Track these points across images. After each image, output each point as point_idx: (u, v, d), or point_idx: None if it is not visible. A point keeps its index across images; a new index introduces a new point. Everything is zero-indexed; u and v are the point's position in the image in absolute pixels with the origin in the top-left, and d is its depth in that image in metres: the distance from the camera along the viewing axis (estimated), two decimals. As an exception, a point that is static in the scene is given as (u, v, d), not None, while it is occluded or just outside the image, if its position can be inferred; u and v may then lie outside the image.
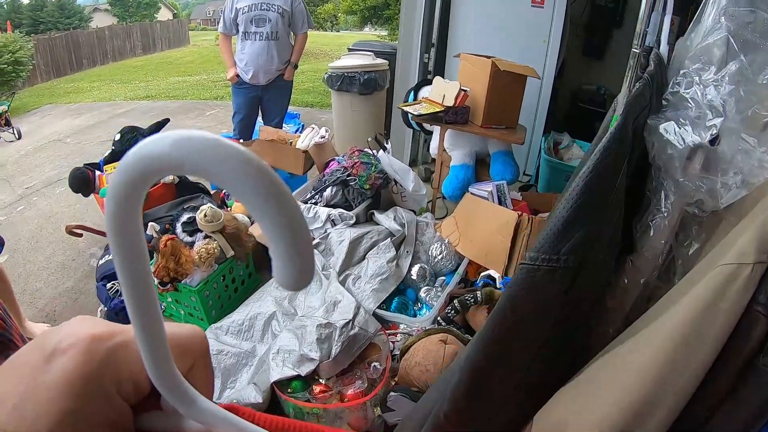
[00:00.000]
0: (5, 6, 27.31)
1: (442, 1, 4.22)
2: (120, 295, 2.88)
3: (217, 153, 0.22)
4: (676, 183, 0.92)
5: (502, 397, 0.95)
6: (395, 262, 2.72)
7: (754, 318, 0.63)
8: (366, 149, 3.29)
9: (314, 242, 2.83)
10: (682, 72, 1.04)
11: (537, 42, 4.08)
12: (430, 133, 3.96)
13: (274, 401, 2.10)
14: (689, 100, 0.97)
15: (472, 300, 2.32)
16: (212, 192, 3.76)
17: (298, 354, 2.04)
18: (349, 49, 5.37)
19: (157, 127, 3.83)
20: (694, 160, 0.90)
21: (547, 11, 4.00)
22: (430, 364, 2.00)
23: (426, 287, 2.70)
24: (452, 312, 2.34)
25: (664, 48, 1.33)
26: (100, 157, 3.88)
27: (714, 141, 0.91)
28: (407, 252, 2.85)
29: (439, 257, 2.79)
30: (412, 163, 4.70)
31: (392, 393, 1.98)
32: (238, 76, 4.19)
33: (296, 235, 0.23)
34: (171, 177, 3.60)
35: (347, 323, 2.11)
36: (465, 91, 3.21)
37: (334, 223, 2.95)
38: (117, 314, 2.81)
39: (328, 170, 3.29)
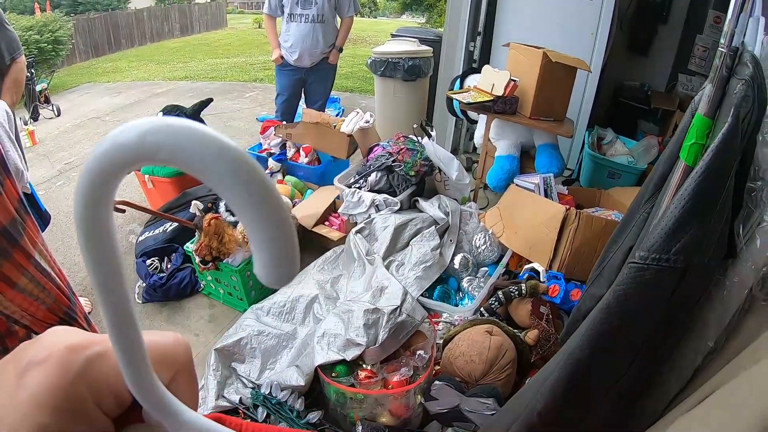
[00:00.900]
0: (45, -13, 27.71)
1: (489, -9, 4.16)
2: (159, 271, 2.92)
3: (193, 141, 0.21)
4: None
5: (596, 400, 0.93)
6: (439, 250, 2.70)
7: None
8: (411, 136, 3.27)
9: (358, 227, 2.83)
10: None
11: (584, 34, 4.01)
12: (475, 122, 3.92)
13: (313, 384, 2.11)
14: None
15: (517, 292, 2.30)
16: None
17: (344, 338, 2.04)
18: (393, 35, 5.33)
19: (201, 106, 3.85)
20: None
21: (596, 3, 3.92)
22: (474, 355, 1.99)
23: (468, 277, 2.68)
24: (496, 303, 2.32)
25: (758, 49, 1.28)
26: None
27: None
28: (451, 241, 2.83)
29: (482, 248, 2.77)
30: (454, 152, 4.65)
31: (437, 382, 1.96)
32: (282, 57, 4.18)
33: (280, 230, 0.22)
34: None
35: (395, 309, 2.10)
36: (515, 81, 3.16)
37: (378, 209, 2.94)
38: (156, 290, 2.86)
39: (372, 155, 3.28)
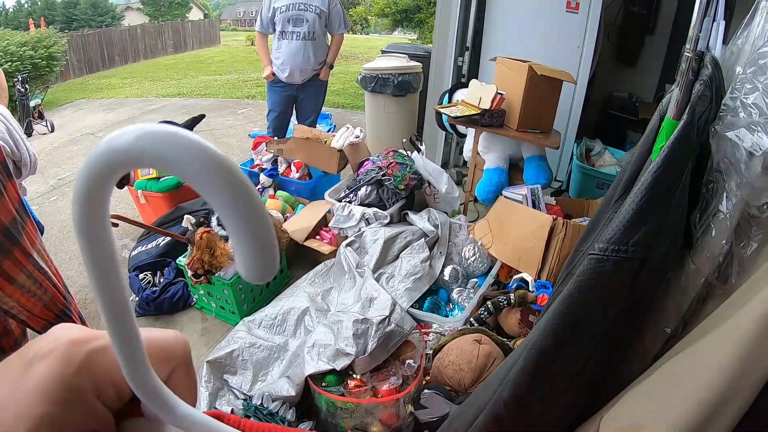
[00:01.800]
0: (39, 3, 27.90)
1: (476, 6, 4.23)
2: (152, 285, 2.93)
3: (177, 145, 0.22)
4: (739, 185, 0.93)
5: (560, 388, 0.96)
6: (428, 262, 2.74)
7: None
8: (401, 150, 3.31)
9: (349, 240, 2.86)
10: (740, 77, 1.05)
11: (571, 47, 4.06)
12: (464, 135, 3.97)
13: (305, 395, 2.13)
14: (752, 105, 0.98)
15: (505, 302, 2.33)
16: (246, 188, 3.80)
17: (334, 348, 2.06)
18: (383, 51, 5.39)
19: (193, 122, 3.87)
20: (761, 164, 0.91)
21: (582, 16, 3.98)
22: (464, 363, 2.02)
23: (458, 288, 2.71)
24: (485, 313, 2.35)
25: (719, 52, 1.34)
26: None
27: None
28: (440, 253, 2.86)
29: (472, 259, 2.81)
30: (444, 166, 4.69)
31: (426, 390, 1.99)
32: (273, 74, 4.23)
33: (258, 227, 0.23)
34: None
35: (384, 319, 2.13)
36: (501, 94, 3.21)
37: (368, 222, 2.97)
38: (148, 304, 2.88)
39: (362, 170, 3.32)
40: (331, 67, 4.36)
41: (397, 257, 2.79)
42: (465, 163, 4.18)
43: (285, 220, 3.33)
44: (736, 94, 1.02)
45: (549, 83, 3.21)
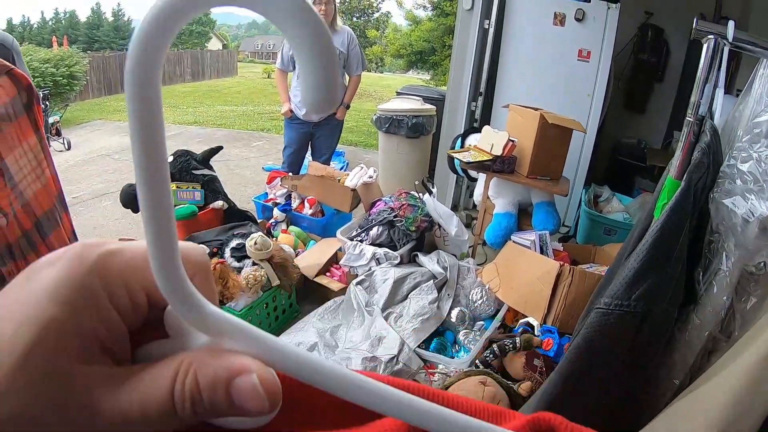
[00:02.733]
0: (63, 22, 28.48)
1: (491, 53, 4.33)
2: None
3: None
4: (737, 246, 0.99)
5: None
6: (436, 303, 2.78)
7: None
8: (413, 192, 3.38)
9: (359, 278, 2.90)
10: (737, 146, 1.12)
11: (581, 95, 4.15)
12: (475, 179, 4.03)
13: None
14: (747, 173, 1.04)
15: (511, 345, 2.36)
16: (259, 221, 3.87)
17: (342, 386, 2.10)
18: (398, 93, 5.50)
19: (211, 153, 3.95)
20: (757, 227, 0.97)
21: (593, 65, 4.09)
22: (468, 405, 2.04)
23: (464, 330, 2.74)
24: (490, 356, 2.38)
25: (718, 120, 1.40)
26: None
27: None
28: (448, 295, 2.90)
29: (479, 302, 2.84)
30: (454, 208, 4.75)
31: (431, 431, 2.01)
32: (291, 111, 4.32)
33: (325, 58, 0.24)
34: (220, 203, 3.73)
35: (392, 359, 2.18)
36: (513, 141, 3.29)
37: (378, 262, 3.02)
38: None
39: (374, 210, 3.38)
40: (348, 107, 4.46)
41: (405, 297, 2.83)
42: (475, 206, 4.23)
43: (296, 255, 3.39)
44: (733, 161, 1.09)
45: (560, 131, 3.28)
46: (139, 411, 0.27)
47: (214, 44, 37.93)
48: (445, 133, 4.64)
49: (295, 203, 4.00)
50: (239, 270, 2.86)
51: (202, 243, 3.10)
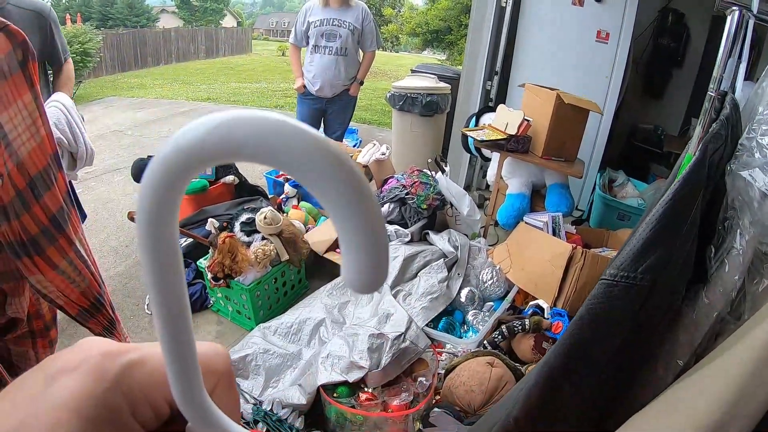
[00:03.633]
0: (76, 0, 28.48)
1: (507, 32, 4.28)
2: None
3: (284, 135, 0.20)
4: (753, 223, 0.96)
5: (568, 407, 0.99)
6: (446, 283, 2.76)
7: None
8: (425, 170, 3.35)
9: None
10: (757, 119, 1.08)
11: (599, 77, 4.10)
12: (488, 159, 4.00)
13: (314, 405, 2.15)
14: (766, 146, 1.01)
15: (520, 327, 2.35)
16: (270, 196, 3.86)
17: (348, 361, 2.10)
18: (413, 71, 5.45)
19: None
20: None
21: (611, 47, 4.02)
22: (475, 385, 2.03)
23: (474, 311, 2.73)
24: (499, 337, 2.37)
25: (739, 93, 1.37)
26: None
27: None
28: (458, 274, 2.89)
29: (489, 282, 2.82)
30: (467, 188, 4.73)
31: (436, 409, 2.00)
32: (304, 86, 4.30)
33: (375, 234, 0.21)
34: (231, 177, 3.72)
35: (399, 336, 2.16)
36: (528, 121, 3.24)
37: (389, 239, 3.00)
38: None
39: (386, 187, 3.35)
40: (361, 83, 4.41)
41: (415, 276, 2.82)
42: (488, 186, 4.20)
43: (307, 231, 3.38)
44: (753, 134, 1.05)
45: (576, 112, 3.23)
46: None
47: (228, 21, 37.82)
48: (459, 112, 4.61)
49: (306, 179, 3.96)
50: (248, 244, 2.85)
51: (213, 217, 3.11)
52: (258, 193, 3.84)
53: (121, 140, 6.70)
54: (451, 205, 3.25)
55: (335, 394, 2.07)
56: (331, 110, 4.41)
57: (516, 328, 2.35)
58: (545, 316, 2.49)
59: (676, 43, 5.12)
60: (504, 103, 3.76)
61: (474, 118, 3.96)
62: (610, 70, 4.06)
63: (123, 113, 8.45)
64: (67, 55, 2.56)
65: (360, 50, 4.37)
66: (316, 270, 3.29)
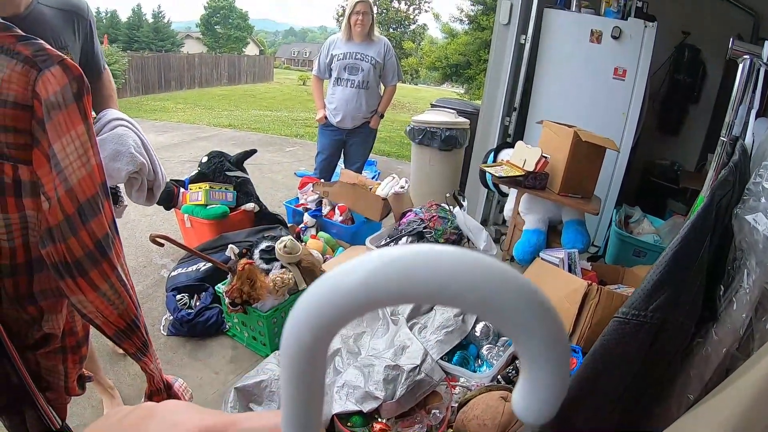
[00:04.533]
0: (104, 21, 29.14)
1: (526, 69, 4.33)
2: (188, 307, 3.01)
3: (500, 287, 0.19)
4: (759, 264, 0.99)
5: None
6: (461, 317, 2.78)
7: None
8: (443, 204, 3.39)
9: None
10: (764, 164, 1.12)
11: (616, 114, 4.12)
12: (506, 195, 4.02)
13: (328, 432, 2.17)
14: (768, 191, 1.05)
15: (534, 363, 2.36)
16: (289, 225, 3.92)
17: (363, 391, 2.12)
18: (432, 105, 5.52)
19: (245, 155, 4.03)
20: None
21: (628, 84, 4.05)
22: (488, 419, 2.04)
23: (488, 345, 2.73)
24: (513, 372, 2.38)
25: (749, 140, 1.40)
26: (179, 176, 4.19)
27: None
28: (474, 308, 2.89)
29: (504, 317, 2.82)
30: (484, 223, 4.73)
31: (449, 443, 2.02)
32: (326, 117, 4.38)
33: (562, 373, 0.22)
34: (252, 205, 3.78)
35: (415, 368, 2.18)
36: (546, 157, 3.28)
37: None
38: (182, 325, 2.95)
39: (404, 220, 3.40)
40: (382, 116, 4.49)
41: (430, 309, 2.83)
42: (504, 221, 4.21)
43: (324, 261, 3.42)
44: (759, 179, 1.09)
45: (593, 149, 3.26)
46: None
47: (251, 49, 38.49)
48: (477, 147, 4.64)
49: (325, 209, 4.03)
50: (267, 272, 2.89)
51: (233, 243, 3.15)
52: (278, 221, 3.89)
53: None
54: (468, 239, 3.28)
55: (349, 423, 2.09)
56: (351, 142, 4.48)
57: (530, 364, 2.36)
58: (560, 352, 2.49)
59: (692, 79, 5.14)
60: (522, 139, 3.81)
61: (492, 154, 4.00)
62: (627, 106, 4.09)
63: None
64: (104, 63, 2.22)
65: (381, 84, 4.45)
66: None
